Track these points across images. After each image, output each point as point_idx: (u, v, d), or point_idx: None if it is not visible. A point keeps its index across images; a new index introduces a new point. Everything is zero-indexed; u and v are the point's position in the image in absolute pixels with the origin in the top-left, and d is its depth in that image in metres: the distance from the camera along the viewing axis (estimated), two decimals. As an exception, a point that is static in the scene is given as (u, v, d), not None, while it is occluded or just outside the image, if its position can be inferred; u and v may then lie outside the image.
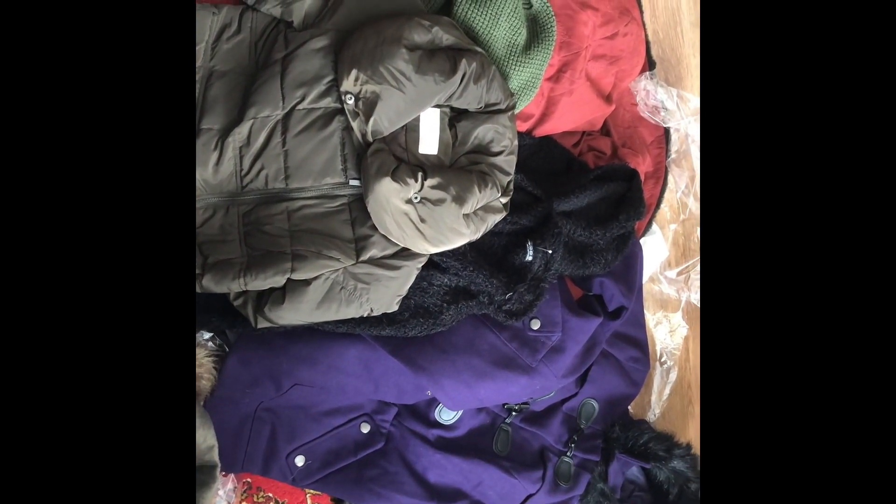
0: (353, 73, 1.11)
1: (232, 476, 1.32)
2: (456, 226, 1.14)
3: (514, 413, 1.41)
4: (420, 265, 1.20)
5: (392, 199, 1.10)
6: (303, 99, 1.17)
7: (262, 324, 1.18)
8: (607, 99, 1.41)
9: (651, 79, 1.48)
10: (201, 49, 1.22)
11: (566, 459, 1.42)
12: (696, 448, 1.49)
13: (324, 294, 1.16)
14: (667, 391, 1.62)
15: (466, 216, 1.15)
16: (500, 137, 1.19)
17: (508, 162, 1.20)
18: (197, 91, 1.20)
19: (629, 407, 1.55)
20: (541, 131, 1.36)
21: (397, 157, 1.16)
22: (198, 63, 1.21)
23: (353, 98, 1.13)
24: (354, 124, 1.15)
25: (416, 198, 1.11)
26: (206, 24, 1.22)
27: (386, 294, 1.18)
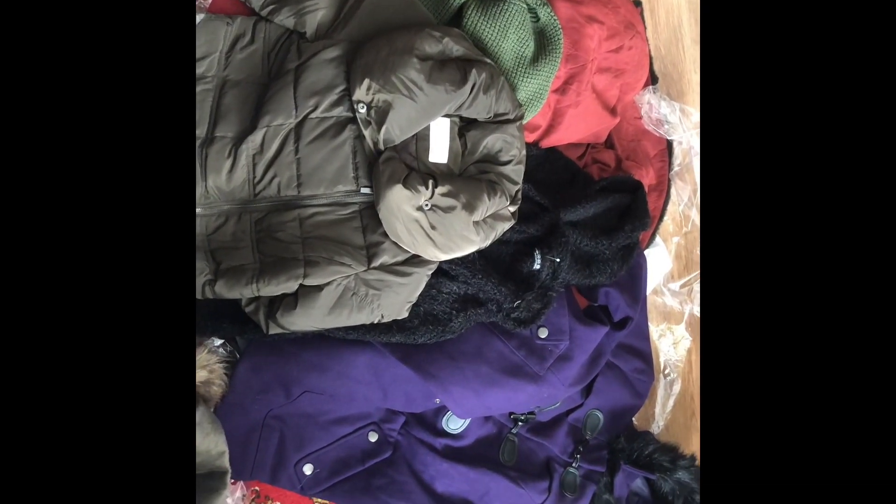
0: (366, 82, 1.13)
1: (241, 484, 1.32)
2: (466, 233, 1.15)
3: (520, 423, 1.41)
4: (430, 272, 1.21)
5: (403, 206, 1.12)
6: (315, 108, 1.18)
7: (274, 330, 1.18)
8: (612, 111, 1.43)
9: (654, 92, 1.51)
10: (215, 59, 1.23)
11: (572, 470, 1.42)
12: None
13: (336, 300, 1.17)
14: (670, 403, 1.62)
15: (476, 224, 1.16)
16: (509, 147, 1.20)
17: (517, 171, 1.21)
18: (211, 100, 1.22)
19: (633, 419, 1.56)
20: (547, 142, 1.38)
21: (408, 165, 1.17)
22: (211, 72, 1.23)
23: (366, 107, 1.15)
24: (366, 133, 1.16)
25: (426, 205, 1.12)
26: (220, 35, 1.24)
27: (396, 300, 1.19)
